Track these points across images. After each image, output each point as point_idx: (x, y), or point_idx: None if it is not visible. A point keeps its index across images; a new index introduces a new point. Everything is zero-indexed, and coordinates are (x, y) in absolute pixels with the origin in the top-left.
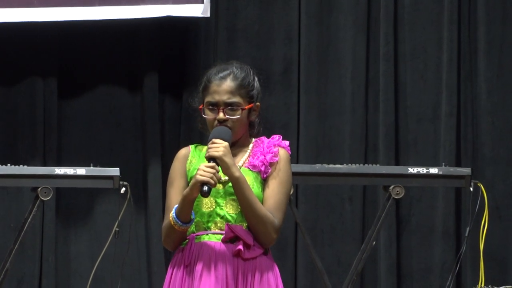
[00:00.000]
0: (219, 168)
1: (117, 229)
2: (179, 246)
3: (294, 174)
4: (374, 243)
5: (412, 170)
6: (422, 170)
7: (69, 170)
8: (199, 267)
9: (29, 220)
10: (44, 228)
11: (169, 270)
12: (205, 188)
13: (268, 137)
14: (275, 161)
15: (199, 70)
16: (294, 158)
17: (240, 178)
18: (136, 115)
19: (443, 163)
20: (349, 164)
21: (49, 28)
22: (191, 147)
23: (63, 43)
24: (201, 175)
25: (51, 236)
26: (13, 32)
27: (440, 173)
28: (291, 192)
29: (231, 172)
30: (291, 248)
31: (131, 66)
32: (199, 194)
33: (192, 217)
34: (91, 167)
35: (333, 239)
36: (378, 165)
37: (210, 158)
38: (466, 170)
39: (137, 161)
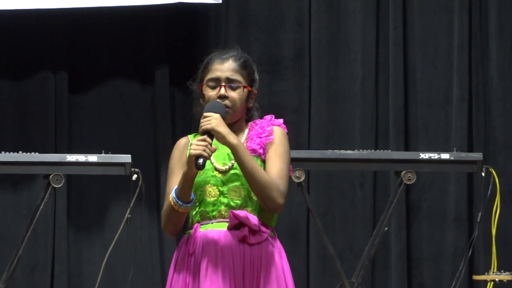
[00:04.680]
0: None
1: (129, 216)
2: (184, 236)
3: (306, 160)
4: (386, 228)
5: (424, 155)
6: (434, 156)
7: (81, 157)
8: (205, 258)
9: (41, 207)
10: (56, 215)
11: (174, 261)
12: (200, 161)
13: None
14: (270, 140)
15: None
16: (306, 143)
17: (239, 144)
18: (147, 102)
19: (455, 149)
20: (360, 150)
21: (60, 20)
22: (190, 136)
23: (73, 34)
24: (194, 149)
25: (63, 223)
26: (24, 24)
27: (452, 158)
28: (302, 179)
29: (228, 140)
30: (303, 234)
31: (141, 55)
32: (196, 169)
33: (192, 198)
34: (103, 154)
35: (345, 224)
36: (389, 150)
37: (203, 132)
38: (477, 155)
39: (149, 148)
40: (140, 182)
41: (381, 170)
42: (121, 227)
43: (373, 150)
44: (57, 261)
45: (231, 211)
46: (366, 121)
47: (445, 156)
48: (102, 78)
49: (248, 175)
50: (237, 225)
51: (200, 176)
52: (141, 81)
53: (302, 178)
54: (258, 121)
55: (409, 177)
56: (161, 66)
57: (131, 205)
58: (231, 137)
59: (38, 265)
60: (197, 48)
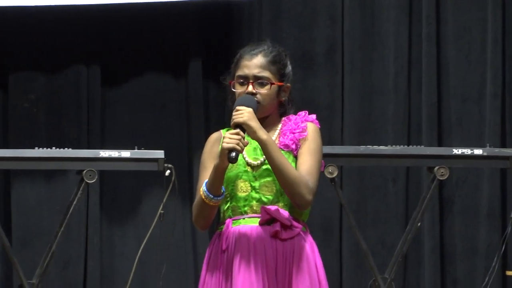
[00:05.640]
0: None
1: (162, 211)
2: (216, 232)
3: (339, 156)
4: (419, 224)
5: (457, 151)
6: (467, 151)
7: (114, 153)
8: (237, 254)
9: (74, 202)
10: (89, 210)
11: (207, 257)
12: (232, 154)
13: None
14: (304, 136)
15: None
16: (339, 139)
17: (268, 140)
18: (181, 98)
19: (488, 144)
20: (393, 146)
21: (94, 14)
22: (222, 131)
23: (107, 28)
24: (227, 142)
25: (96, 218)
26: (58, 19)
27: (485, 154)
28: (336, 174)
29: (258, 136)
30: (336, 230)
31: (175, 50)
32: (228, 162)
33: (222, 191)
34: (136, 150)
35: (377, 220)
36: (422, 146)
37: (235, 125)
38: (511, 151)
39: (182, 144)
40: (173, 178)
41: (414, 165)
42: (154, 222)
43: (406, 146)
44: (90, 256)
45: (262, 206)
46: (399, 117)
47: (478, 151)
48: (135, 73)
49: (277, 171)
50: (268, 220)
51: (232, 171)
52: (174, 76)
53: (335, 174)
54: (291, 117)
55: (442, 172)
56: (194, 61)
57: (164, 200)
58: (261, 132)
59: (72, 260)
60: (230, 43)
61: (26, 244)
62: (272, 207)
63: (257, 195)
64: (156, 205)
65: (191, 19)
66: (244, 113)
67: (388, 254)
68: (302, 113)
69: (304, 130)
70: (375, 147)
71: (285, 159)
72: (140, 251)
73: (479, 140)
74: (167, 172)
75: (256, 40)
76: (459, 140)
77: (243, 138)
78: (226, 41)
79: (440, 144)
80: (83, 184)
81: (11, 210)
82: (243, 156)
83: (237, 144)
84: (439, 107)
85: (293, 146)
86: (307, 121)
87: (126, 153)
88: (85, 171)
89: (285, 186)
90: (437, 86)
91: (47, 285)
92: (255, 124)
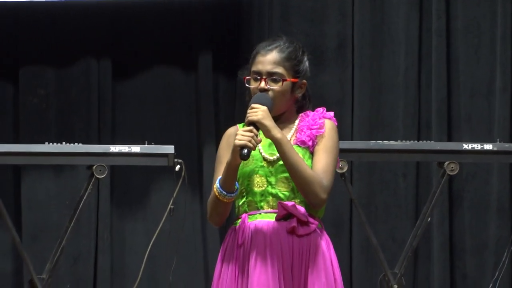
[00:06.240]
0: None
1: (172, 206)
2: (231, 226)
3: (349, 151)
4: (429, 219)
5: (467, 146)
6: (477, 146)
7: (124, 148)
8: (254, 249)
9: (84, 197)
10: (99, 205)
11: (221, 252)
12: (245, 151)
13: None
14: (321, 133)
15: (253, 47)
16: (349, 134)
17: (283, 139)
18: (191, 93)
19: (498, 139)
20: (403, 141)
21: (105, 9)
22: (239, 125)
23: (117, 23)
24: (239, 139)
25: (106, 213)
26: (69, 13)
27: (495, 149)
28: (346, 169)
29: (273, 134)
30: (346, 225)
31: (185, 44)
32: (240, 159)
33: (236, 187)
34: (146, 145)
35: (387, 215)
36: (432, 141)
37: (249, 123)
38: None
39: (192, 139)
40: (183, 173)
41: (424, 160)
42: (164, 217)
43: (416, 141)
44: (100, 251)
45: (279, 202)
46: (409, 112)
47: (488, 146)
48: (146, 69)
49: (291, 170)
50: (285, 216)
51: (248, 166)
52: (184, 70)
53: (345, 169)
54: (309, 113)
55: (452, 167)
56: (204, 55)
57: (174, 195)
58: (275, 131)
59: (82, 255)
60: (240, 37)
61: (36, 239)
62: (289, 203)
63: (273, 191)
64: (166, 200)
65: (201, 13)
66: (258, 112)
67: (398, 249)
68: (320, 109)
69: (321, 126)
70: (385, 142)
71: (300, 158)
72: (150, 245)
73: (489, 135)
74: (177, 167)
75: (266, 34)
76: (469, 135)
77: (256, 135)
78: (236, 35)
79: (449, 139)
80: (93, 179)
81: (21, 205)
82: (259, 151)
83: (249, 141)
84: (449, 102)
85: (310, 143)
86: (324, 117)
87: (136, 148)
88: (95, 166)
89: (299, 184)
90: (446, 81)
91: (57, 280)
92: (269, 122)
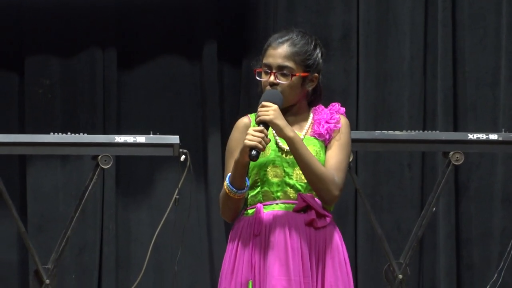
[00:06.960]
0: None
1: (177, 196)
2: (242, 217)
3: (354, 141)
4: (434, 209)
5: (472, 136)
6: (482, 136)
7: (129, 138)
8: (273, 239)
9: (89, 188)
10: (105, 196)
11: (233, 241)
12: (254, 152)
13: (324, 104)
14: (338, 128)
15: (259, 37)
16: (354, 124)
17: (295, 138)
18: (196, 83)
19: (503, 129)
20: (409, 131)
21: None
22: (251, 116)
23: (122, 12)
24: (249, 140)
25: (111, 204)
26: (73, 2)
27: (500, 139)
28: (351, 159)
29: (285, 134)
30: (351, 215)
31: (190, 34)
32: (249, 159)
33: (246, 183)
34: (151, 135)
35: (392, 205)
36: (437, 131)
37: (260, 122)
38: None
39: (197, 129)
40: (188, 163)
41: (429, 150)
42: (169, 207)
43: (421, 131)
44: (105, 241)
45: (299, 194)
46: (414, 102)
47: (493, 136)
48: (151, 58)
49: (304, 167)
50: (303, 207)
51: (265, 156)
52: (189, 60)
53: (350, 159)
54: (322, 107)
55: (457, 157)
56: (209, 44)
57: (179, 185)
58: (288, 129)
59: (87, 245)
60: (245, 26)
61: (42, 229)
62: (308, 195)
63: (291, 181)
64: (171, 190)
65: (206, 2)
66: (269, 111)
67: (403, 239)
68: (336, 104)
69: (338, 121)
70: (390, 132)
71: (312, 155)
72: (155, 236)
73: (494, 125)
74: (182, 157)
75: (272, 23)
76: (474, 125)
77: (266, 136)
78: (241, 25)
79: (455, 129)
80: (98, 169)
81: (27, 196)
82: (275, 141)
83: (260, 142)
84: (454, 92)
85: (327, 136)
86: (339, 113)
87: (141, 138)
88: (100, 156)
89: (312, 182)
90: (452, 71)
91: (62, 270)
92: (281, 122)
